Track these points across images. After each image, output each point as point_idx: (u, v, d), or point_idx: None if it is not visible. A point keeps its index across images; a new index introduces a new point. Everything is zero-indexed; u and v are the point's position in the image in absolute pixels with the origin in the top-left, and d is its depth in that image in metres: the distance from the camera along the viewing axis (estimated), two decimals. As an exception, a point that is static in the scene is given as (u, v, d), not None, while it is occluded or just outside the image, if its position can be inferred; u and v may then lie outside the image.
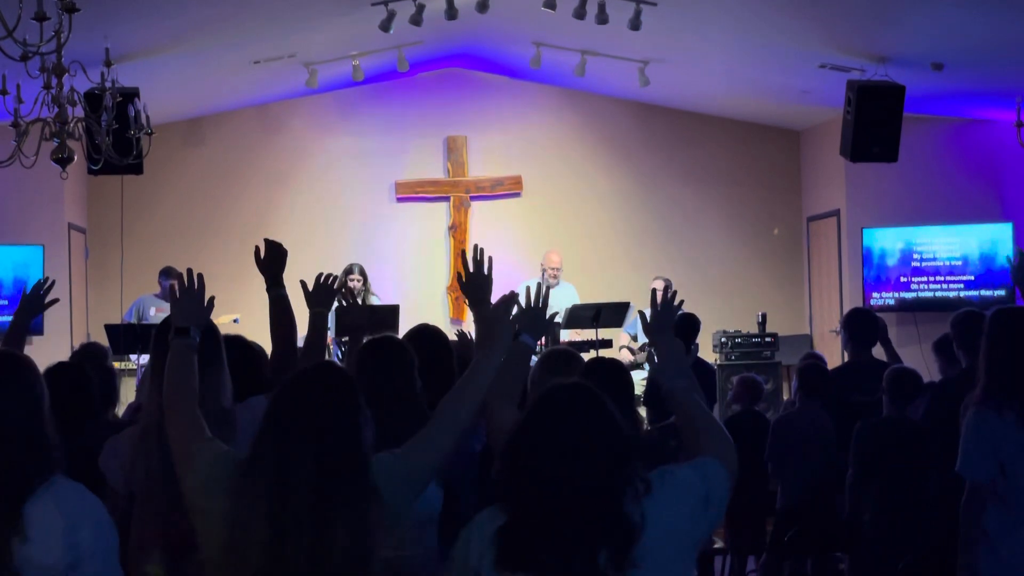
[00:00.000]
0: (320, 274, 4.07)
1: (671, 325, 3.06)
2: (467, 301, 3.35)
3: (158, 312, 9.78)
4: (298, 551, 2.52)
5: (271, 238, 4.07)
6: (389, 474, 2.68)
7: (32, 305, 4.20)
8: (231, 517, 2.56)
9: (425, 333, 4.10)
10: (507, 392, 3.25)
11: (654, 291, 3.22)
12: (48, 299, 4.27)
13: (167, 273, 10.00)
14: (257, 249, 4.02)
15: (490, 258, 3.41)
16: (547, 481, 2.41)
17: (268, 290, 4.02)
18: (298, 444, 2.56)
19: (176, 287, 3.08)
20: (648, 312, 3.08)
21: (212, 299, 3.14)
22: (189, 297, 3.08)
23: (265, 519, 2.52)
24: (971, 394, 3.95)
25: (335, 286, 4.11)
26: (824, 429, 5.88)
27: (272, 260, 4.04)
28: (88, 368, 4.49)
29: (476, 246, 3.45)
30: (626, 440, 2.49)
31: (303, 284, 4.06)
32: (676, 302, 3.13)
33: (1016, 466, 3.75)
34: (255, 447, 2.62)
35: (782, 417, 6.18)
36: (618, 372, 3.78)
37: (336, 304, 4.43)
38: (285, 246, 4.09)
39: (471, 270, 3.40)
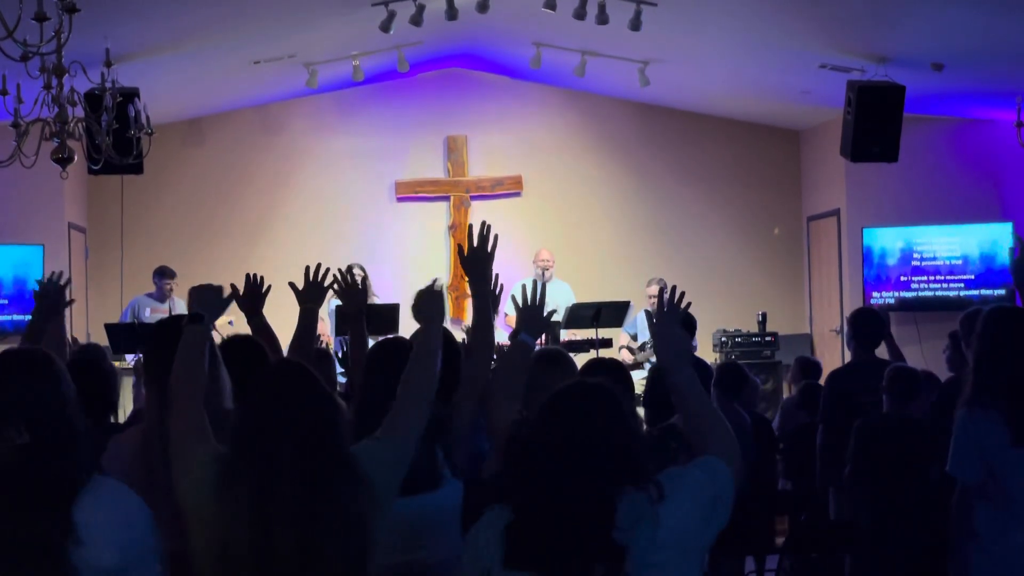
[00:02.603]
0: (308, 268, 4.02)
1: (676, 324, 3.05)
2: (467, 278, 3.31)
3: (154, 312, 9.77)
4: (286, 548, 2.50)
5: (252, 272, 4.08)
6: (376, 460, 2.67)
7: (47, 306, 4.15)
8: (217, 519, 2.55)
9: None
10: (508, 390, 3.25)
11: (661, 291, 3.21)
12: (67, 298, 4.23)
13: (161, 273, 9.99)
14: (234, 287, 4.01)
15: (496, 236, 3.38)
16: (547, 482, 2.39)
17: (248, 321, 4.03)
18: (275, 440, 2.55)
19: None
20: (644, 311, 3.09)
21: (235, 290, 3.14)
22: (210, 288, 3.08)
23: (250, 520, 2.51)
24: (962, 393, 3.95)
25: (324, 282, 4.06)
26: (740, 427, 5.88)
27: (250, 295, 4.03)
28: (105, 367, 4.52)
29: (484, 222, 3.40)
30: (633, 444, 2.45)
31: (292, 285, 4.04)
32: (683, 304, 3.12)
33: (1004, 466, 3.74)
34: (232, 448, 2.61)
35: None
36: (618, 372, 3.78)
37: (334, 291, 4.40)
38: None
39: (475, 245, 3.36)
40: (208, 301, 3.05)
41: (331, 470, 2.57)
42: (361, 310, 4.19)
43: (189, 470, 2.69)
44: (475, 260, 3.37)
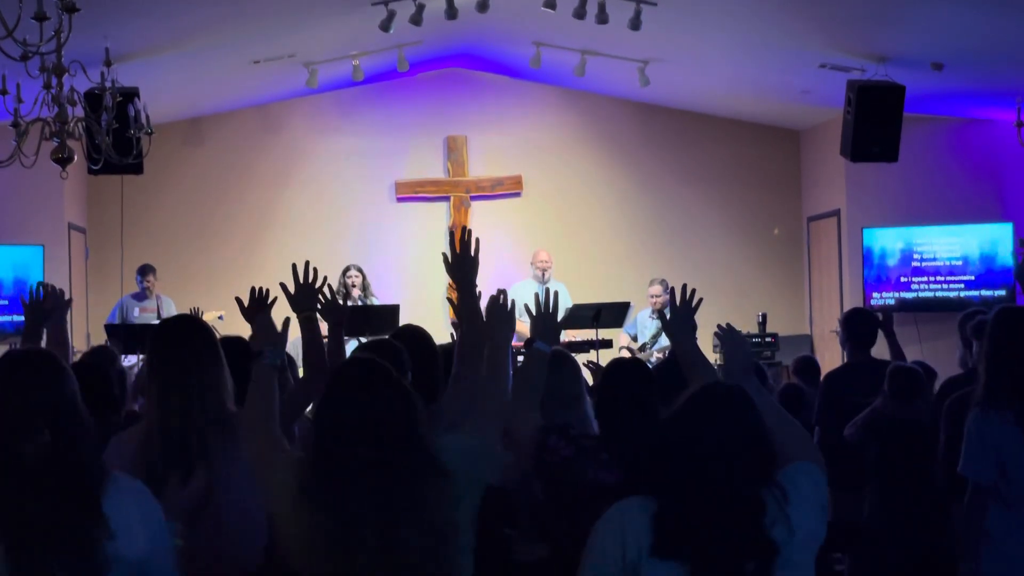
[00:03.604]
0: (294, 267, 3.95)
1: (691, 324, 3.06)
2: (453, 283, 3.34)
3: (143, 312, 9.77)
4: (368, 547, 2.52)
5: (256, 286, 4.07)
6: (462, 452, 2.71)
7: (35, 314, 4.21)
8: (298, 520, 2.59)
9: (410, 334, 4.07)
10: (528, 399, 3.27)
11: (672, 290, 3.23)
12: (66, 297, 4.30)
13: (142, 271, 9.99)
14: (239, 300, 3.99)
15: (477, 239, 3.41)
16: (699, 477, 2.45)
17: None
18: (354, 440, 2.57)
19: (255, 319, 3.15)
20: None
21: (287, 320, 3.19)
22: (262, 323, 3.16)
23: (330, 520, 2.54)
24: (974, 393, 3.94)
25: (316, 284, 4.01)
26: None
27: (255, 306, 4.02)
28: (108, 368, 4.53)
29: (464, 227, 3.44)
30: (771, 445, 2.53)
31: (283, 287, 3.99)
32: (695, 302, 3.14)
33: (1017, 466, 3.73)
34: (313, 450, 2.64)
35: None
36: (642, 372, 3.79)
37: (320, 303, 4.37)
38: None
39: (457, 251, 3.39)
40: (263, 333, 3.13)
41: (413, 466, 2.59)
42: (339, 322, 4.17)
43: (271, 476, 2.75)
44: (459, 266, 3.40)
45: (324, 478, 2.57)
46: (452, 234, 3.44)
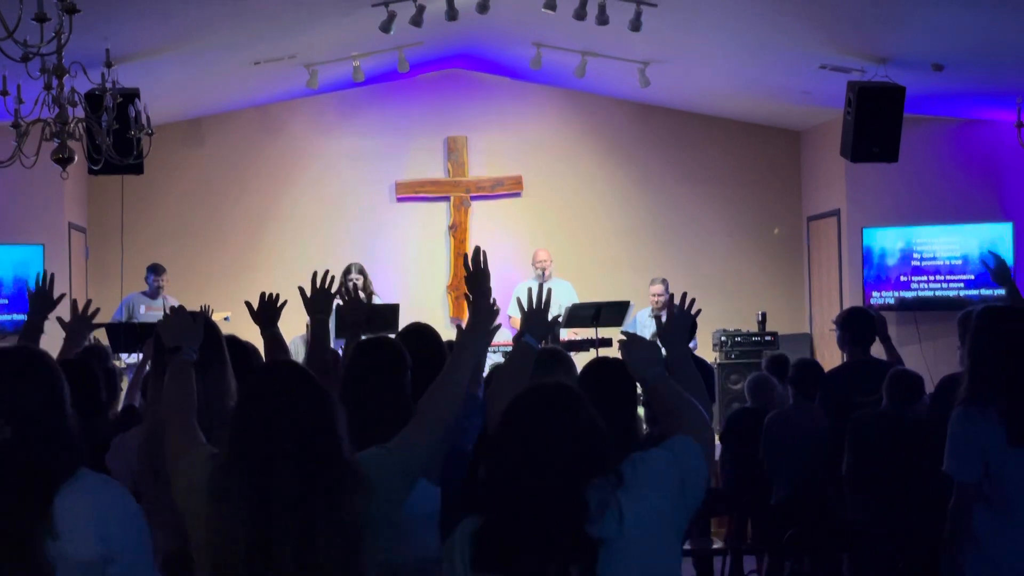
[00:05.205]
0: (315, 274, 4.00)
1: (687, 331, 3.05)
2: (468, 296, 3.37)
3: (148, 310, 9.79)
4: (285, 549, 2.50)
5: (267, 292, 4.09)
6: (381, 467, 2.68)
7: (42, 303, 4.22)
8: (213, 520, 2.56)
9: (418, 332, 4.08)
10: (511, 393, 3.26)
11: (671, 296, 3.23)
12: (56, 295, 4.31)
13: (153, 270, 10.01)
14: (249, 304, 4.01)
15: (484, 252, 3.43)
16: (513, 485, 2.40)
17: (262, 333, 4.04)
18: (275, 441, 2.55)
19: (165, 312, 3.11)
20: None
21: (204, 307, 3.18)
22: (176, 316, 3.11)
23: (248, 520, 2.52)
24: (958, 392, 3.94)
25: (332, 289, 4.06)
26: (818, 427, 5.88)
27: (265, 310, 4.04)
28: (95, 366, 4.53)
29: (477, 247, 3.47)
30: (593, 438, 2.45)
31: (301, 290, 4.03)
32: (694, 311, 3.14)
33: (1000, 466, 3.73)
34: (229, 449, 2.61)
35: (776, 414, 6.17)
36: (621, 372, 3.78)
37: (337, 302, 4.40)
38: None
39: (471, 269, 3.43)
40: (178, 328, 3.06)
41: (329, 471, 2.57)
42: (361, 321, 4.19)
43: (180, 472, 2.74)
44: (473, 279, 3.42)
45: (241, 476, 2.55)
46: (466, 256, 3.46)
